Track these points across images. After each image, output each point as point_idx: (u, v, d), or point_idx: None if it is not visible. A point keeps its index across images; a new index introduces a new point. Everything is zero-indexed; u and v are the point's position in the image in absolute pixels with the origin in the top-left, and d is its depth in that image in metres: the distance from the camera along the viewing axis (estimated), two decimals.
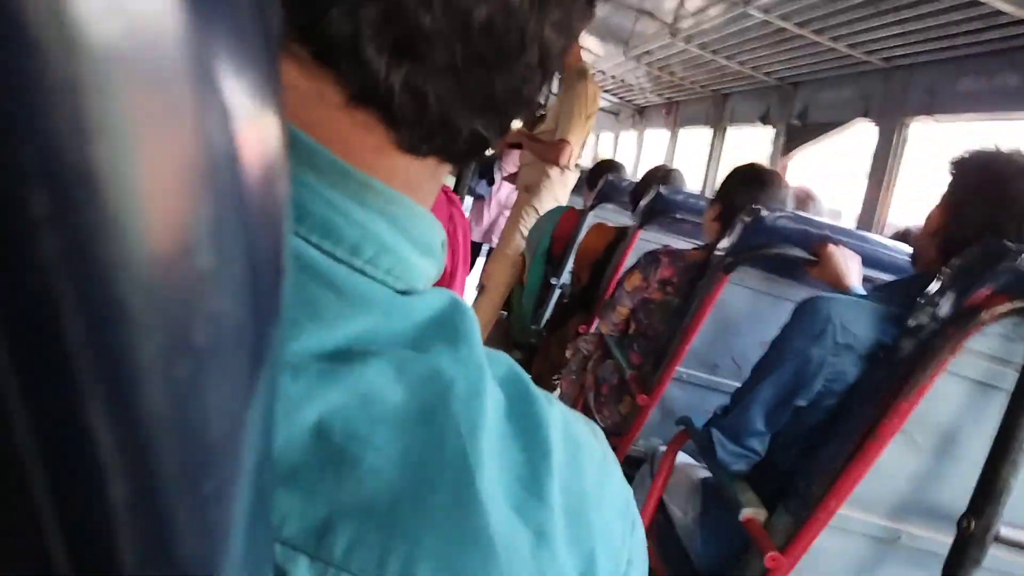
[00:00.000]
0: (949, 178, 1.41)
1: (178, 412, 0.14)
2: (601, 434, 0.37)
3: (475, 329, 0.33)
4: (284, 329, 0.19)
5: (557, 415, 0.34)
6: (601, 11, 5.11)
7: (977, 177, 1.34)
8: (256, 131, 0.15)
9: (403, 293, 0.31)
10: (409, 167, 0.32)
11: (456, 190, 2.83)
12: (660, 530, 1.77)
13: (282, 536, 0.26)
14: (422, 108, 0.30)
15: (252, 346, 0.16)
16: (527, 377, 0.34)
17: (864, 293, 1.60)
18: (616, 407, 2.25)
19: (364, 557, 0.26)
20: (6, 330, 0.11)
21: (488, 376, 0.32)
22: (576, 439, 0.34)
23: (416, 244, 0.32)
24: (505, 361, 0.34)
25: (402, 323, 0.31)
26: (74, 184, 0.11)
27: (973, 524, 1.01)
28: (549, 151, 3.64)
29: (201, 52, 0.13)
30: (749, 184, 2.04)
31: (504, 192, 4.90)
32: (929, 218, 1.43)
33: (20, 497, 0.12)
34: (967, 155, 1.39)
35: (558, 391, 2.72)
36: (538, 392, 0.34)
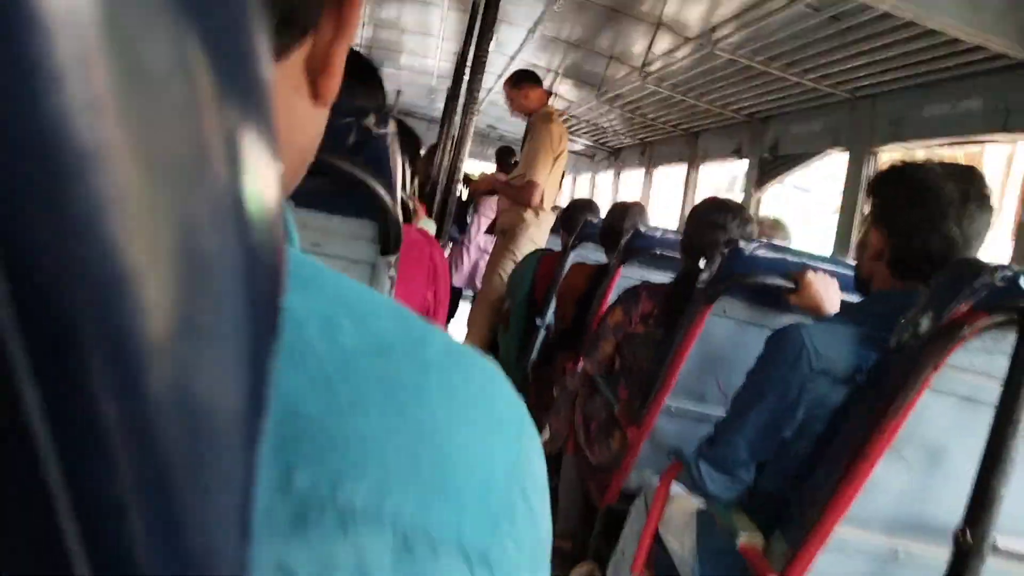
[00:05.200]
0: (874, 200, 1.42)
1: (184, 392, 0.14)
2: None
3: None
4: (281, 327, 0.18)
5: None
6: (574, 58, 5.21)
7: (905, 191, 1.35)
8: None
9: None
10: None
11: (437, 236, 2.86)
12: (658, 562, 1.75)
13: None
14: None
15: (253, 333, 0.16)
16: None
17: None
18: (606, 442, 2.24)
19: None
20: (18, 311, 0.11)
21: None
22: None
23: None
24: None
25: None
26: (74, 159, 0.11)
27: (969, 535, 1.01)
28: (519, 193, 3.72)
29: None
30: (713, 217, 2.09)
31: (483, 237, 4.93)
32: (866, 244, 1.44)
33: (32, 477, 0.12)
34: (886, 174, 1.41)
35: (547, 431, 2.71)
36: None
